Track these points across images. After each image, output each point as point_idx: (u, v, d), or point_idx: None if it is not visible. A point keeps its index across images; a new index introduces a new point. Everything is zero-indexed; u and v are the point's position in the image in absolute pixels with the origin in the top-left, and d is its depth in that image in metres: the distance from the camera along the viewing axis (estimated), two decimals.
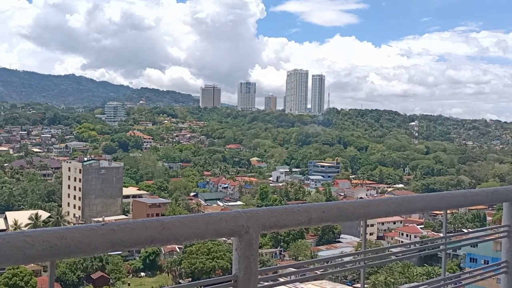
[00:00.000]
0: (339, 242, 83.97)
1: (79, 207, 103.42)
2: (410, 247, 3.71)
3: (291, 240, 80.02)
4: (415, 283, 3.13)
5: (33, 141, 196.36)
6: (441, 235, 3.48)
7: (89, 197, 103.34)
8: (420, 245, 3.58)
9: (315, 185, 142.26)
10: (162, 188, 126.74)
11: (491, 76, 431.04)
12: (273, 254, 77.85)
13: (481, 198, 3.64)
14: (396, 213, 3.10)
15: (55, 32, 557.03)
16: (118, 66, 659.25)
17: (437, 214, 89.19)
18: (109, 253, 68.09)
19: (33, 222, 79.29)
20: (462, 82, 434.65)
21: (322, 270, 2.86)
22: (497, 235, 3.74)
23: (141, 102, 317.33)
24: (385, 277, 57.46)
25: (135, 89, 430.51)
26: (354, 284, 58.54)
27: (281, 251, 79.55)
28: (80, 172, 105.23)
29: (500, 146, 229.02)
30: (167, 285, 66.83)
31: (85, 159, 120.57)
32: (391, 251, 3.22)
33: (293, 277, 2.78)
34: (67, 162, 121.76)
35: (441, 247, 3.52)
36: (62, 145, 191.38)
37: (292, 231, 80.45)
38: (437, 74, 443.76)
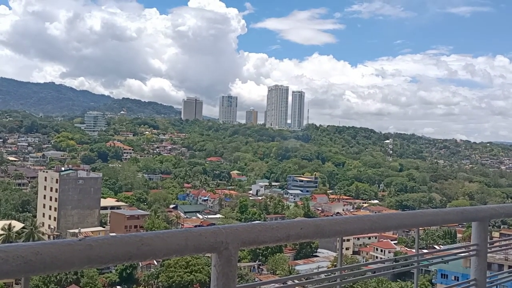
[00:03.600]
0: (316, 256, 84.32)
1: (54, 218, 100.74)
2: (385, 263, 3.83)
3: (269, 254, 79.80)
4: None
5: (9, 149, 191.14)
6: (414, 251, 3.61)
7: (66, 207, 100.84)
8: (394, 261, 3.68)
9: (294, 199, 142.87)
10: (141, 199, 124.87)
11: (460, 98, 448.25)
12: (251, 268, 77.34)
13: (451, 217, 3.81)
14: (371, 231, 3.22)
15: (34, 39, 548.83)
16: (98, 76, 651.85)
17: (410, 230, 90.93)
18: None
19: (6, 233, 76.71)
20: (433, 103, 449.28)
21: (300, 286, 2.94)
22: (467, 253, 3.90)
23: (122, 112, 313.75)
24: None
25: (116, 99, 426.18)
26: None
27: (259, 265, 79.14)
28: (56, 182, 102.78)
29: (470, 165, 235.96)
30: None
31: (63, 168, 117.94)
32: (367, 267, 3.33)
33: None
34: (43, 171, 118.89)
35: (414, 264, 3.64)
36: (39, 154, 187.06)
37: None
38: (409, 95, 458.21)
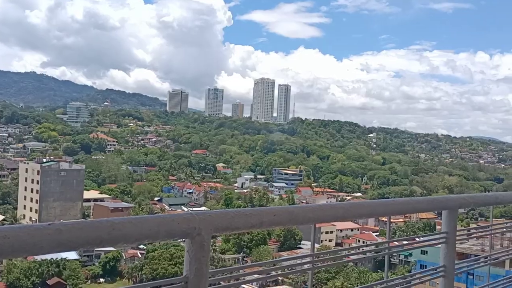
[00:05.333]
0: (300, 248, 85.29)
1: (36, 210, 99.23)
2: (357, 250, 3.94)
3: (253, 246, 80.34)
4: (358, 287, 3.35)
5: None
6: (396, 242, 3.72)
7: (47, 200, 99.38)
8: (366, 249, 3.78)
9: (279, 192, 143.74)
10: (125, 192, 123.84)
11: (441, 93, 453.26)
12: (236, 259, 77.75)
13: (422, 206, 3.93)
14: (343, 218, 3.30)
15: (14, 27, 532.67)
16: (80, 66, 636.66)
17: (392, 222, 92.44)
18: (67, 258, 65.83)
19: None
20: (415, 98, 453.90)
21: (273, 272, 3.01)
22: (436, 241, 4.03)
23: (105, 103, 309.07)
24: (342, 282, 59.02)
25: (100, 90, 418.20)
26: None
27: (243, 257, 79.62)
28: (38, 174, 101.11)
29: (450, 159, 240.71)
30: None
31: (44, 160, 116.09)
32: (339, 253, 3.42)
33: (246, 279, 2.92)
34: (24, 162, 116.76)
35: (386, 250, 3.75)
36: (19, 145, 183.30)
37: (255, 237, 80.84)
38: (393, 89, 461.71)
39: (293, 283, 62.72)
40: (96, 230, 1.84)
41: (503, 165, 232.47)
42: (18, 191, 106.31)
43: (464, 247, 41.75)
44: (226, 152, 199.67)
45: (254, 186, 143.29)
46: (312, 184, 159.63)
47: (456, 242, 3.98)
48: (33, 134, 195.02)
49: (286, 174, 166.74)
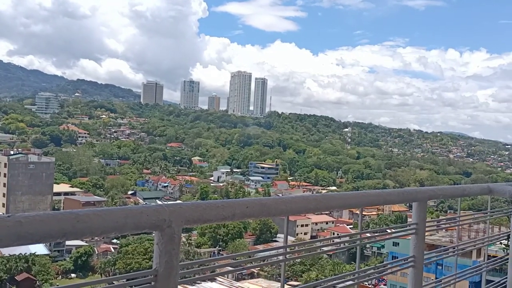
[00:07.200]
0: (276, 241, 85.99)
1: (3, 204, 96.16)
2: (330, 242, 3.97)
3: (229, 240, 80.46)
4: (330, 277, 3.36)
5: None
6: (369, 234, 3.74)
7: (15, 193, 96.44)
8: (338, 240, 3.80)
9: (255, 185, 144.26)
10: (98, 185, 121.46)
11: (413, 89, 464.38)
12: (212, 253, 77.74)
13: (393, 198, 3.97)
14: (316, 210, 3.30)
15: None
16: (49, 55, 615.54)
17: (365, 215, 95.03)
18: (36, 253, 64.19)
19: None
20: (388, 93, 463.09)
21: (244, 264, 2.98)
22: (406, 232, 4.10)
23: (76, 94, 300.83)
24: (316, 274, 60.13)
25: (70, 80, 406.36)
26: (288, 282, 60.30)
27: (219, 250, 79.71)
28: (5, 167, 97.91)
29: (421, 154, 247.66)
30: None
31: (12, 152, 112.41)
32: (311, 245, 3.43)
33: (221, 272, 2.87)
34: None
35: (357, 242, 3.79)
36: None
37: (231, 231, 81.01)
38: (367, 85, 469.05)
39: (269, 275, 63.33)
40: (59, 223, 1.74)
41: (471, 159, 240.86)
42: None
43: (434, 238, 43.10)
44: (202, 145, 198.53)
45: (230, 180, 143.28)
46: (288, 178, 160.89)
47: (426, 233, 4.06)
48: (0, 125, 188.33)
49: (262, 167, 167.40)
